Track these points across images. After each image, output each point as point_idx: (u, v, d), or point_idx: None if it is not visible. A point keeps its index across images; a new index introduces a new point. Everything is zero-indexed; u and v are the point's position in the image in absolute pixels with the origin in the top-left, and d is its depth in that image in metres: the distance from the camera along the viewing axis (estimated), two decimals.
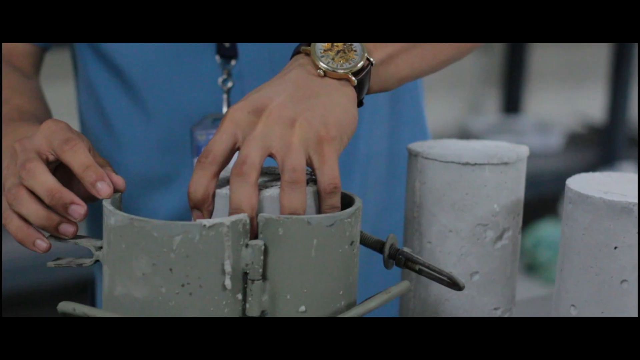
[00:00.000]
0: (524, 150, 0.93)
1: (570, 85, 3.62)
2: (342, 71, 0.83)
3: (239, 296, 0.76)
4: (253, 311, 0.76)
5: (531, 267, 3.04)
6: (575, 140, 3.36)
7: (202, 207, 0.79)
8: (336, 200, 0.79)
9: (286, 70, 0.84)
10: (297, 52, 0.86)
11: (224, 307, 0.75)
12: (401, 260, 0.85)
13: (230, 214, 0.76)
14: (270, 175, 0.83)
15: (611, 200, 0.84)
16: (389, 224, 1.11)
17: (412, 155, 0.93)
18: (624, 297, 0.86)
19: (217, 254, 0.75)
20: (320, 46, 0.84)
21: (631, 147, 3.32)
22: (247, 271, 0.75)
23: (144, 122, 1.07)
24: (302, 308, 0.77)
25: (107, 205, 0.78)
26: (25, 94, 1.02)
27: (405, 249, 0.85)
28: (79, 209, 0.81)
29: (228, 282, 0.75)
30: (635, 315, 0.86)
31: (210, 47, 1.04)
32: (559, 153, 3.21)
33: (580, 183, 0.88)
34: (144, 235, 0.75)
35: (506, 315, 0.95)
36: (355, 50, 0.84)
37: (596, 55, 3.59)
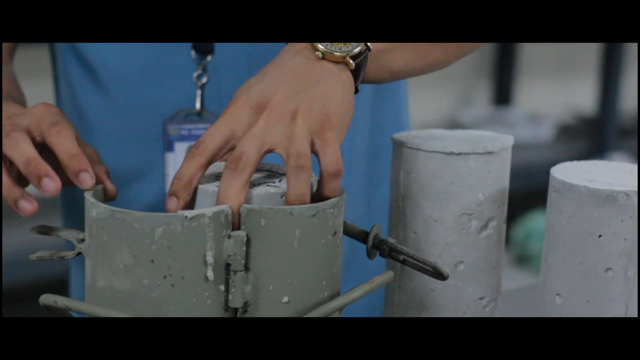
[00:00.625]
0: (508, 140, 0.93)
1: (560, 76, 3.62)
2: (340, 54, 0.83)
3: (222, 287, 0.76)
4: (236, 302, 0.75)
5: (522, 258, 3.04)
6: (566, 132, 3.36)
7: (181, 194, 0.78)
8: (337, 184, 0.78)
9: (284, 57, 0.83)
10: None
11: (206, 299, 0.75)
12: (385, 251, 0.85)
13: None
14: (264, 172, 0.83)
15: (596, 189, 0.84)
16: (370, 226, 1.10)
17: (397, 145, 0.93)
18: (608, 285, 0.85)
19: (199, 245, 0.74)
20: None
21: (622, 138, 3.32)
22: (230, 262, 0.75)
23: (117, 116, 1.06)
24: (285, 299, 0.77)
25: (88, 197, 0.78)
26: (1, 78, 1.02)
27: (390, 239, 0.85)
28: (52, 183, 0.79)
29: (210, 274, 0.75)
30: (620, 304, 0.86)
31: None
32: (550, 144, 3.22)
33: (564, 172, 0.88)
34: (125, 226, 0.75)
35: (491, 305, 0.95)
36: None
37: (586, 47, 3.59)
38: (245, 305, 0.76)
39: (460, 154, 0.90)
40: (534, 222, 3.05)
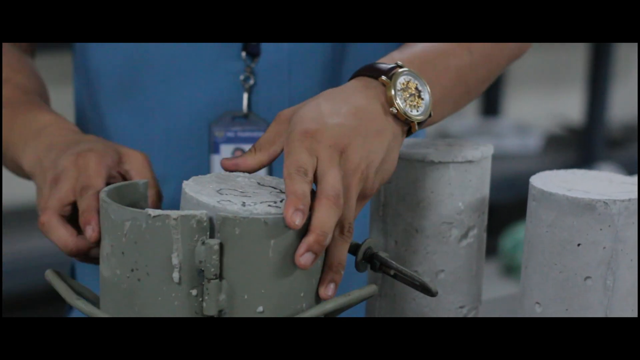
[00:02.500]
0: (488, 149, 0.93)
1: (548, 87, 3.63)
2: (414, 117, 0.85)
3: (194, 292, 0.76)
4: (210, 310, 0.76)
5: (510, 268, 3.05)
6: (554, 142, 3.37)
7: (306, 210, 0.77)
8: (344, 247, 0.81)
9: (357, 96, 0.84)
10: (369, 74, 0.86)
11: (173, 299, 0.76)
12: (376, 265, 0.84)
13: (315, 234, 0.76)
14: (268, 188, 0.82)
15: (574, 198, 0.85)
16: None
17: None
18: (587, 294, 0.86)
19: (165, 246, 0.75)
20: (399, 84, 0.85)
21: (610, 149, 3.33)
22: (203, 269, 0.75)
23: (159, 116, 1.06)
24: (260, 309, 0.77)
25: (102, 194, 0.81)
26: (25, 72, 1.03)
27: (381, 254, 0.84)
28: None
29: (176, 276, 0.76)
30: (599, 312, 0.86)
31: (237, 44, 1.04)
32: (538, 155, 3.22)
33: (543, 180, 0.89)
34: (107, 216, 0.78)
35: (472, 314, 0.95)
36: (423, 99, 0.86)
37: (574, 57, 3.60)
38: (220, 313, 0.76)
39: (440, 162, 0.90)
40: (522, 232, 3.05)
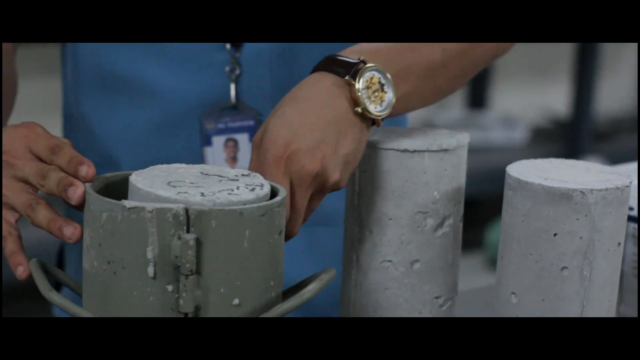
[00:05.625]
0: (463, 137, 0.92)
1: (535, 79, 3.62)
2: (377, 114, 0.86)
3: (169, 287, 0.74)
4: (187, 307, 0.74)
5: (495, 261, 3.05)
6: (540, 135, 3.37)
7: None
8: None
9: (322, 96, 0.85)
10: (334, 69, 0.86)
11: (148, 295, 0.74)
12: None
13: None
14: (214, 176, 0.80)
15: (550, 187, 0.83)
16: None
17: None
18: (564, 284, 0.85)
19: (140, 239, 0.73)
20: (362, 82, 0.85)
21: (596, 141, 3.33)
22: (179, 264, 0.74)
23: (148, 109, 1.05)
24: (236, 301, 0.75)
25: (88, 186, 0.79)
26: None
27: None
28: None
29: (151, 270, 0.73)
30: (575, 302, 0.85)
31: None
32: (524, 147, 3.22)
33: (520, 169, 0.88)
34: (87, 207, 0.77)
35: (448, 304, 0.94)
36: (386, 92, 0.87)
37: (560, 50, 3.59)
38: (197, 309, 0.74)
39: (414, 151, 0.89)
40: None
